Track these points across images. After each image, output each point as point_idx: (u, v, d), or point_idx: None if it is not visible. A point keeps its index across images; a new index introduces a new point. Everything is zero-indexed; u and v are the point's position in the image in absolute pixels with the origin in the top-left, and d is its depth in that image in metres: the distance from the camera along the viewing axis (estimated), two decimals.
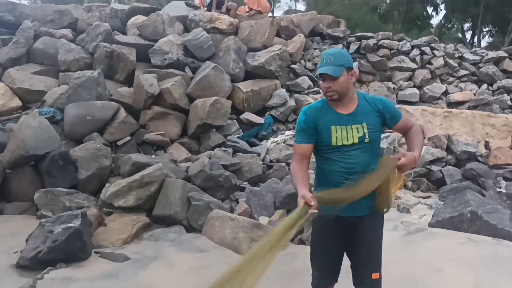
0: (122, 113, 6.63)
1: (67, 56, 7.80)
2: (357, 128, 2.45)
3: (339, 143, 2.44)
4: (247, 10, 10.02)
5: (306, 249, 4.56)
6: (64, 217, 4.33)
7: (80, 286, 3.76)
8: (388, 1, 25.16)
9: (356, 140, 2.44)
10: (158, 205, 5.12)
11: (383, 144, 7.08)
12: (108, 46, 7.59)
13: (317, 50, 9.51)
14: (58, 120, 6.64)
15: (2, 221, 5.14)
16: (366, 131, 2.45)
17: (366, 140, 2.44)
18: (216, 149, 6.49)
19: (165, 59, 7.67)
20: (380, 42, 9.73)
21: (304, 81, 8.52)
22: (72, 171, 5.55)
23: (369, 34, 10.06)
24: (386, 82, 9.47)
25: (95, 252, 4.41)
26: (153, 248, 4.58)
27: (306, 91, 8.40)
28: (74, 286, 3.75)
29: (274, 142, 7.05)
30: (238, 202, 5.52)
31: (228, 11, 9.59)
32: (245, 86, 7.77)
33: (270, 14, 10.89)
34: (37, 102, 7.18)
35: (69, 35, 8.55)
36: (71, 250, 4.14)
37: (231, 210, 5.27)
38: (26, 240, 4.32)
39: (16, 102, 7.15)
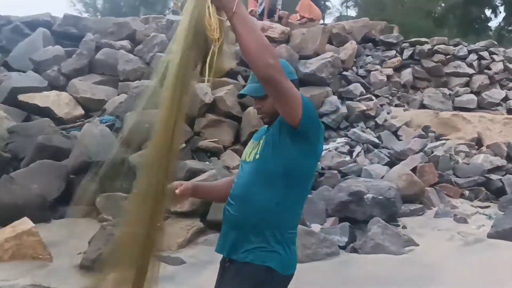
0: None
1: (126, 66, 8.15)
2: (259, 143, 1.88)
3: (243, 159, 1.96)
4: (299, 18, 10.08)
5: (358, 258, 4.56)
6: None
7: None
8: (443, 5, 24.46)
9: (251, 158, 1.87)
10: (212, 211, 5.24)
11: (439, 152, 6.91)
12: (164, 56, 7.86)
13: (370, 57, 9.42)
14: (118, 128, 6.95)
15: (67, 224, 5.43)
16: (260, 146, 1.85)
17: (257, 157, 1.84)
18: None
19: None
20: (435, 48, 9.52)
21: (356, 88, 8.46)
22: (132, 175, 5.77)
23: (423, 39, 9.87)
24: (441, 89, 9.24)
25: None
26: (208, 252, 4.69)
27: (358, 98, 8.33)
28: None
29: (326, 150, 7.03)
30: None
31: (279, 20, 9.69)
32: None
33: (321, 21, 10.90)
34: (98, 111, 7.55)
35: (127, 46, 8.93)
36: None
37: None
38: (89, 242, 4.55)
39: (79, 111, 7.56)
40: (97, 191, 5.67)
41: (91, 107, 7.67)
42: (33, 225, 4.57)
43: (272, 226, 1.77)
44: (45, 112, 7.43)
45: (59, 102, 7.52)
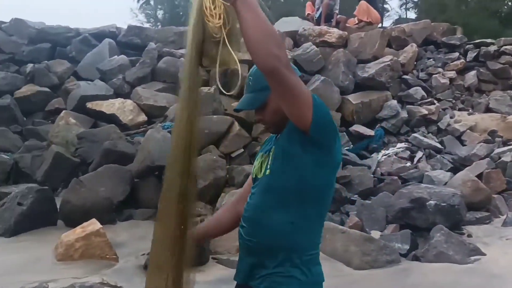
0: (236, 126, 6.97)
1: None
2: (268, 155, 1.70)
3: (253, 175, 1.78)
4: (357, 22, 9.97)
5: (421, 266, 4.44)
6: None
7: None
8: (510, 4, 23.31)
9: (262, 173, 1.70)
10: None
11: (506, 157, 6.59)
12: None
13: (431, 60, 9.15)
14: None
15: (131, 226, 5.66)
16: (270, 159, 1.68)
17: (267, 172, 1.66)
18: None
19: None
20: (502, 49, 9.08)
21: (417, 92, 8.24)
22: None
23: (489, 40, 9.46)
24: (509, 91, 8.79)
25: (212, 258, 4.69)
26: None
27: (419, 102, 8.11)
28: None
29: (386, 155, 6.90)
30: (348, 215, 5.51)
31: (337, 24, 9.63)
32: (354, 98, 7.73)
33: (379, 25, 10.72)
34: (160, 117, 7.82)
35: None
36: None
37: (341, 223, 5.27)
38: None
39: (143, 117, 7.87)
40: (159, 194, 5.88)
41: (154, 114, 7.96)
42: (101, 226, 4.81)
43: (288, 249, 1.60)
44: (111, 118, 7.80)
45: (124, 109, 7.86)
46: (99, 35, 10.31)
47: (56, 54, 10.05)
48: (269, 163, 1.66)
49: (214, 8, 1.50)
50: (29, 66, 9.34)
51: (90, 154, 6.78)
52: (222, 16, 1.50)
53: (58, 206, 5.82)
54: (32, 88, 8.94)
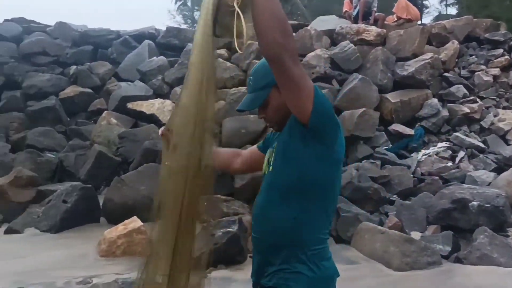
0: None
1: (223, 74, 8.47)
2: (272, 152, 1.73)
3: (263, 172, 1.79)
4: (396, 19, 9.79)
5: (463, 268, 4.33)
6: (224, 222, 4.72)
7: (238, 287, 4.07)
8: None
9: (267, 170, 1.74)
10: None
11: None
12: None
13: (474, 57, 8.88)
14: (216, 133, 7.25)
15: None
16: (273, 155, 1.71)
17: (270, 169, 1.70)
18: (363, 161, 6.46)
19: (312, 72, 7.88)
20: None
21: (459, 90, 8.02)
22: (229, 180, 6.01)
23: None
24: None
25: (250, 257, 4.72)
26: None
27: (461, 100, 7.89)
28: (233, 287, 4.07)
29: (426, 155, 6.76)
30: (387, 216, 5.43)
31: (375, 22, 9.49)
32: (393, 97, 7.60)
33: (419, 21, 10.49)
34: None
35: (225, 55, 9.26)
36: (230, 253, 4.50)
37: (380, 223, 5.20)
38: None
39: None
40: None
41: None
42: (142, 224, 4.93)
43: (292, 245, 1.60)
44: (151, 118, 7.96)
45: (163, 109, 8.01)
46: (139, 37, 10.57)
47: (98, 56, 10.36)
48: (272, 160, 1.68)
49: None
50: (73, 68, 9.68)
51: (131, 153, 6.96)
52: None
53: (100, 204, 6.01)
54: (76, 89, 9.26)
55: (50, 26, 11.34)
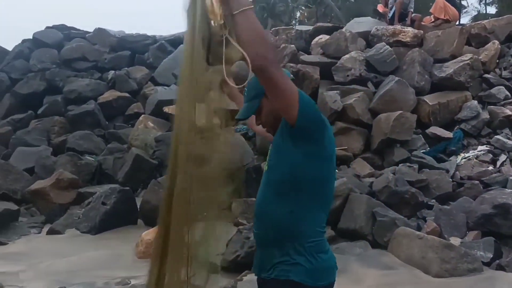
0: None
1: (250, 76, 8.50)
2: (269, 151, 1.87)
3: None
4: (433, 20, 9.60)
5: (506, 276, 4.20)
6: None
7: None
8: None
9: (264, 168, 1.87)
10: (343, 219, 5.22)
11: None
12: (294, 66, 8.04)
13: None
14: (250, 137, 7.28)
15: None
16: (268, 155, 1.85)
17: (266, 168, 1.84)
18: (400, 165, 6.35)
19: (347, 75, 7.82)
20: None
21: (500, 91, 7.77)
22: None
23: None
24: None
25: None
26: (339, 261, 4.58)
27: (502, 102, 7.65)
28: None
29: (465, 158, 6.58)
30: (425, 221, 5.32)
31: (412, 23, 9.33)
32: (431, 99, 7.45)
33: (457, 22, 10.25)
34: (233, 120, 7.97)
35: None
36: None
37: (418, 228, 5.10)
38: (227, 245, 4.83)
39: (216, 121, 8.05)
40: (233, 196, 6.01)
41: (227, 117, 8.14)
42: None
43: (290, 237, 1.71)
44: None
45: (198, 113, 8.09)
46: (175, 42, 10.73)
47: (135, 61, 10.60)
48: (268, 159, 1.82)
49: (216, 9, 1.60)
50: (111, 73, 9.94)
51: (167, 156, 7.06)
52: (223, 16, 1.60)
53: (138, 206, 6.13)
54: (114, 93, 9.50)
55: (89, 32, 11.67)
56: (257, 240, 1.86)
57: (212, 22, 1.63)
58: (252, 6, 1.56)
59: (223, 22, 1.61)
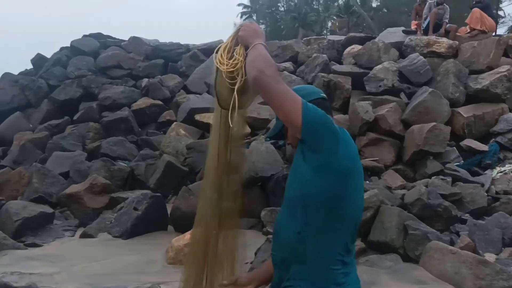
0: None
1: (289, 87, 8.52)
2: None
3: None
4: (469, 30, 9.43)
5: None
6: None
7: None
8: None
9: None
10: (374, 231, 5.16)
11: None
12: (325, 76, 8.04)
13: None
14: (280, 146, 7.28)
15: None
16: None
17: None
18: (433, 177, 6.23)
19: (380, 86, 7.75)
20: None
21: None
22: None
23: None
24: None
25: None
26: (369, 273, 4.63)
27: None
28: None
29: (501, 172, 6.41)
30: (459, 235, 5.20)
31: (447, 34, 9.19)
32: (466, 111, 7.31)
33: (494, 33, 10.04)
34: (263, 129, 8.01)
35: (290, 68, 9.34)
36: None
37: (451, 243, 4.98)
38: (255, 254, 4.83)
39: (247, 129, 8.11)
40: (263, 205, 6.02)
41: (257, 126, 8.17)
42: None
43: (298, 261, 1.56)
44: None
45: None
46: (207, 51, 10.88)
47: (168, 69, 10.79)
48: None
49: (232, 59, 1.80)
50: (145, 81, 10.14)
51: (198, 163, 7.14)
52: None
53: (168, 212, 6.20)
54: (147, 101, 9.68)
55: (124, 40, 11.96)
56: (272, 260, 1.72)
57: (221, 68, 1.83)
58: (261, 42, 1.71)
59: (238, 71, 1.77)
